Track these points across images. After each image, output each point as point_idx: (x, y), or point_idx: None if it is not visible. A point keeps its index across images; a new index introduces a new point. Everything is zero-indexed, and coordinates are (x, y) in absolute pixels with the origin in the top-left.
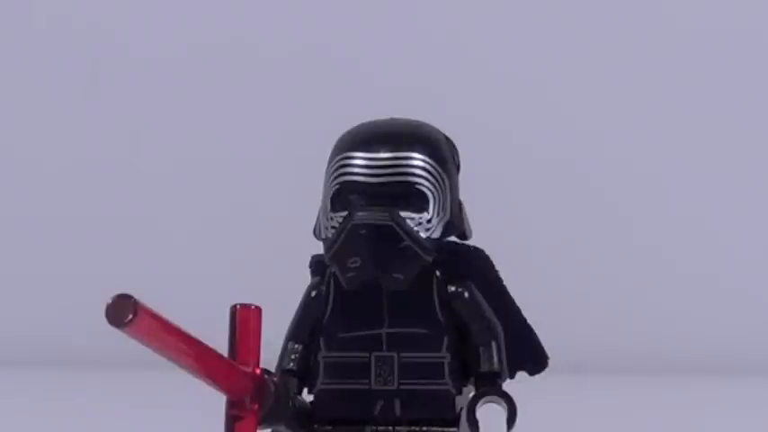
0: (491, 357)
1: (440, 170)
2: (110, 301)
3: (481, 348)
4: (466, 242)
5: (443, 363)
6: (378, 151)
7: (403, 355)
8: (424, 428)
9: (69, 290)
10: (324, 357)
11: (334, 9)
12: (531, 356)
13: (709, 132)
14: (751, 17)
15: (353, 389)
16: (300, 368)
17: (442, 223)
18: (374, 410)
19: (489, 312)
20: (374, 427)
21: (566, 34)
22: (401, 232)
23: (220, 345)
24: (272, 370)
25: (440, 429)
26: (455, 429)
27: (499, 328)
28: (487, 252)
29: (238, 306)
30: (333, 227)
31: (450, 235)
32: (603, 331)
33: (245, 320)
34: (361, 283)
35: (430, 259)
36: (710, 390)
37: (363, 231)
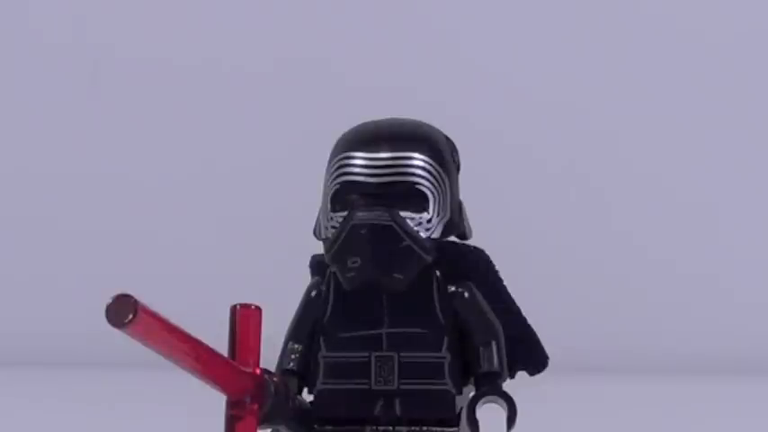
0: (491, 357)
1: (440, 170)
2: (110, 301)
3: (481, 348)
4: (466, 242)
5: (443, 363)
6: (378, 151)
7: (403, 355)
8: (424, 428)
9: (69, 290)
10: (324, 357)
11: (334, 13)
12: (531, 356)
13: (711, 133)
14: (752, 16)
15: (353, 389)
16: (300, 368)
17: (442, 223)
18: (374, 410)
19: (489, 312)
20: (374, 427)
21: (561, 33)
22: (401, 232)
23: (220, 345)
24: (272, 365)
25: (440, 429)
26: (455, 429)
27: (499, 328)
28: (487, 252)
29: (238, 306)
30: (333, 227)
31: (450, 235)
32: (604, 331)
33: (245, 320)
34: (362, 283)
35: (430, 259)
36: (711, 390)
37: (363, 231)
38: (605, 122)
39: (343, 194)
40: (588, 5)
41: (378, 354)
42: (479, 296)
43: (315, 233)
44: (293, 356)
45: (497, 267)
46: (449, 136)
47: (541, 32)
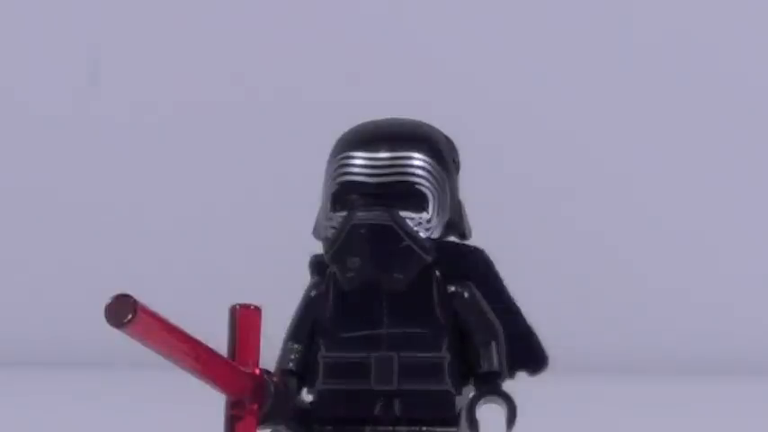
0: (491, 357)
1: (440, 170)
2: (109, 301)
3: (481, 348)
4: (466, 242)
5: (443, 363)
6: (377, 151)
7: (403, 355)
8: (424, 428)
9: (69, 290)
10: (323, 357)
11: (338, 13)
12: (531, 356)
13: (709, 137)
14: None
15: (353, 389)
16: (300, 368)
17: (441, 223)
18: (374, 410)
19: (489, 312)
20: (374, 428)
21: (558, 40)
22: (401, 232)
23: (220, 345)
24: (272, 365)
25: (440, 429)
26: (455, 429)
27: (499, 328)
28: (487, 252)
29: (238, 306)
30: (332, 227)
31: (450, 235)
32: (604, 331)
33: (245, 320)
34: (361, 283)
35: (430, 259)
36: (711, 390)
37: (363, 231)
38: (608, 123)
39: (342, 194)
40: (582, 21)
41: (377, 354)
42: (479, 296)
43: (314, 233)
44: (293, 356)
45: (497, 267)
46: (449, 136)
47: (539, 41)
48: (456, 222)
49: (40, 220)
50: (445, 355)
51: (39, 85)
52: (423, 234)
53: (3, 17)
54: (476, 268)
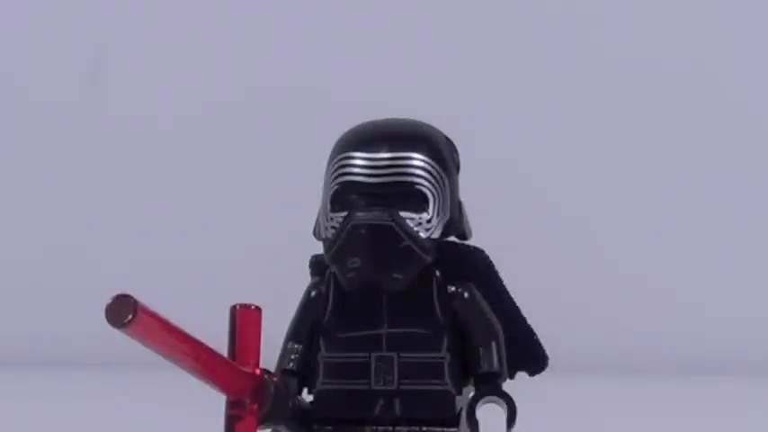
0: (491, 357)
1: (439, 170)
2: (109, 302)
3: (481, 348)
4: (466, 242)
5: (443, 363)
6: (377, 151)
7: (403, 355)
8: (424, 428)
9: (69, 290)
10: (324, 357)
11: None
12: (531, 356)
13: (706, 141)
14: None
15: (353, 389)
16: (300, 368)
17: (441, 223)
18: (374, 410)
19: (489, 313)
20: (374, 428)
21: (555, 44)
22: (401, 232)
23: (220, 345)
24: (272, 365)
25: (440, 429)
26: (455, 429)
27: (499, 329)
28: (487, 252)
29: (238, 306)
30: (333, 227)
31: (450, 235)
32: (604, 331)
33: (245, 320)
34: (361, 283)
35: (430, 259)
36: (711, 390)
37: (363, 232)
38: (608, 128)
39: (342, 194)
40: (578, 25)
41: (377, 354)
42: (479, 296)
43: (314, 233)
44: (293, 356)
45: (497, 267)
46: (448, 136)
47: (537, 43)
48: (456, 222)
49: (40, 220)
50: (445, 355)
51: (39, 86)
52: (423, 234)
53: (8, 13)
54: (476, 268)
